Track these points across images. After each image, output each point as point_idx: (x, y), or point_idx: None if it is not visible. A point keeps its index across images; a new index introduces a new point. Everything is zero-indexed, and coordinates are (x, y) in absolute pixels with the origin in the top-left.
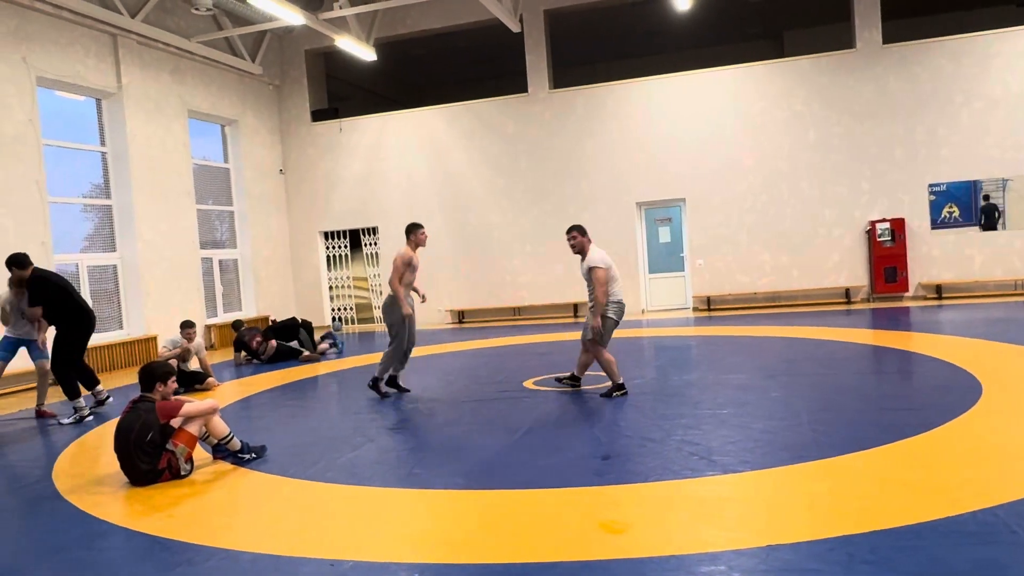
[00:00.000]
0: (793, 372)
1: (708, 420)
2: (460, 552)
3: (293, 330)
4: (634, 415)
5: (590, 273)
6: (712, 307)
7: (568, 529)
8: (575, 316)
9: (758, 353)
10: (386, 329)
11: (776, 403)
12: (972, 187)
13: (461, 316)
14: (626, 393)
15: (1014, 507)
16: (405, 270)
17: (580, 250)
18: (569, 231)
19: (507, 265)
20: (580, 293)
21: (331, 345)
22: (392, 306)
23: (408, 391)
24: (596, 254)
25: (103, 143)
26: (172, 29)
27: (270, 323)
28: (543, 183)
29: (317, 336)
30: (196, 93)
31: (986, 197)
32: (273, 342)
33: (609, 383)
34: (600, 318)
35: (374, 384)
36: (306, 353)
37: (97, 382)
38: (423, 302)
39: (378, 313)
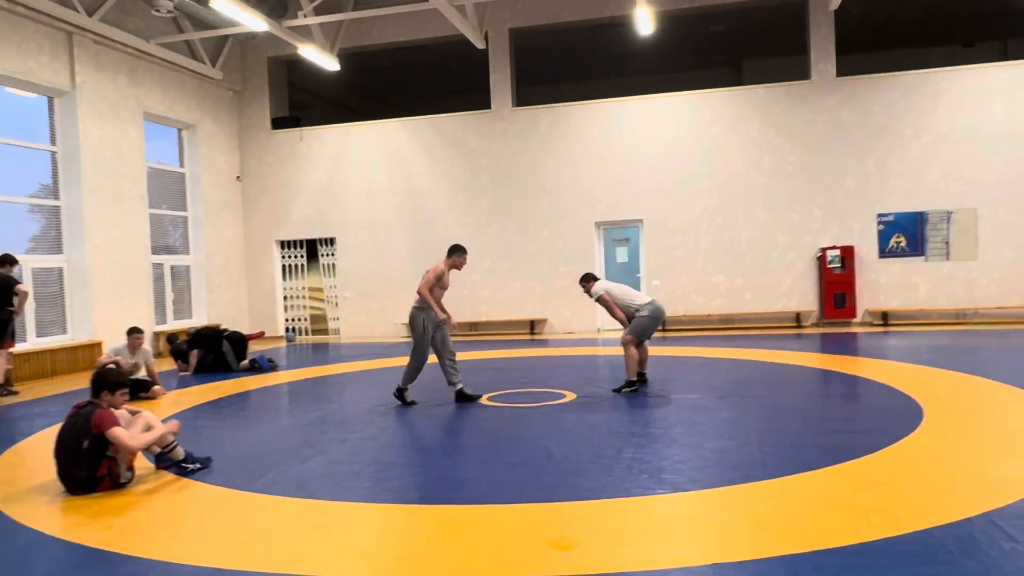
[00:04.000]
0: (744, 393)
1: (659, 439)
2: (408, 569)
3: (215, 340)
4: (587, 433)
5: (600, 303)
6: (667, 327)
7: (518, 545)
8: (531, 333)
9: (710, 374)
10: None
11: (726, 423)
12: (919, 218)
13: None
14: (636, 390)
15: (952, 528)
16: (436, 283)
17: (588, 294)
18: (580, 283)
19: (465, 280)
20: (537, 310)
21: (251, 365)
22: (416, 317)
23: (479, 396)
24: (596, 287)
25: (53, 142)
26: (131, 30)
27: (187, 333)
28: (504, 199)
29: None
30: (153, 96)
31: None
32: (195, 352)
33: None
34: (635, 317)
35: (399, 393)
36: (244, 363)
37: None
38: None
39: (334, 324)
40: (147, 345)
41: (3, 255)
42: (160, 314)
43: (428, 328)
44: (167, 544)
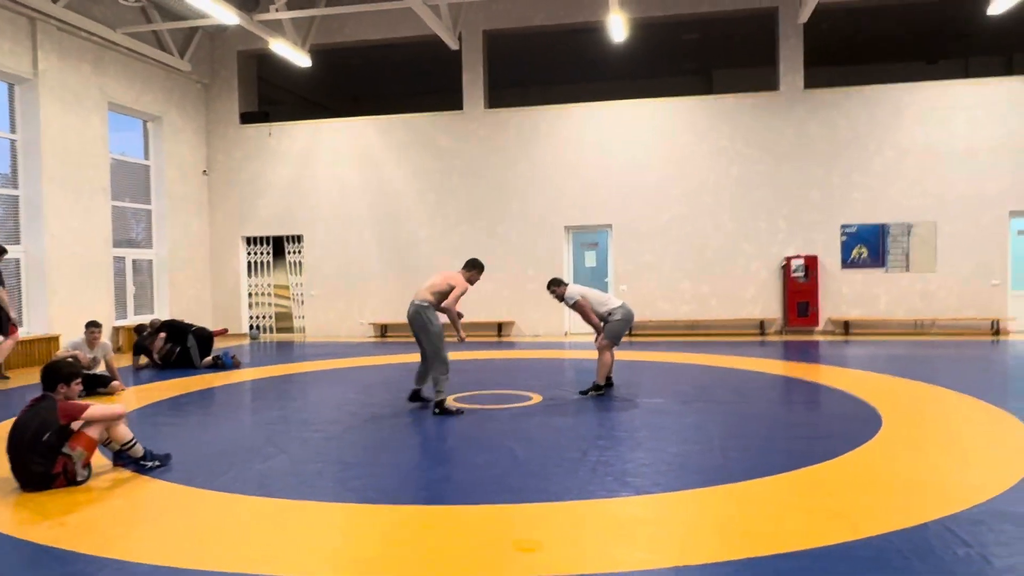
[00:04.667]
0: (708, 399)
1: (624, 442)
2: (371, 569)
3: (183, 333)
4: (552, 435)
5: (575, 308)
6: (633, 332)
7: (482, 546)
8: (499, 335)
9: (675, 379)
10: (422, 343)
11: (690, 428)
12: (880, 230)
13: (384, 330)
14: (603, 394)
15: (906, 534)
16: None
17: (560, 298)
18: (548, 288)
19: None
20: (505, 313)
21: (215, 362)
22: (427, 314)
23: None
24: (569, 292)
25: (13, 130)
26: (97, 18)
27: (149, 323)
28: (474, 201)
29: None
30: (118, 86)
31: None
32: (163, 335)
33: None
34: (608, 322)
35: (440, 406)
36: (208, 360)
37: None
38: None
39: (299, 322)
40: (106, 339)
41: None
42: (120, 308)
43: (439, 322)
44: (122, 542)
